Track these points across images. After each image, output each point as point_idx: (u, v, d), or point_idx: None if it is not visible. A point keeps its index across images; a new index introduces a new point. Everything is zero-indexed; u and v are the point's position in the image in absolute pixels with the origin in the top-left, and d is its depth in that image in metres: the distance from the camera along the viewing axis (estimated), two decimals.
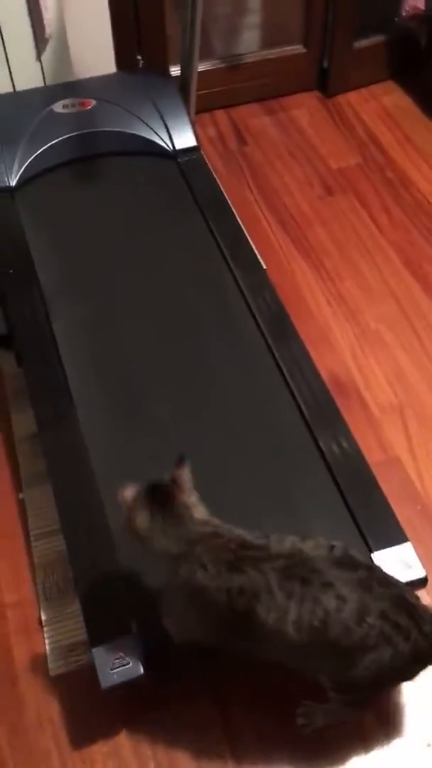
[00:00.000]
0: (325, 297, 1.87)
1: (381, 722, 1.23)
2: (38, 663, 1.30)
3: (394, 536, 1.28)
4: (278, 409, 1.46)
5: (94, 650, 1.15)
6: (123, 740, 1.22)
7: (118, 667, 1.13)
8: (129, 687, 1.14)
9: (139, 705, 1.24)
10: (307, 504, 1.33)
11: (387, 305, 1.85)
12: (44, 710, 1.25)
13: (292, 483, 1.36)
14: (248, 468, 1.38)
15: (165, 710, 1.24)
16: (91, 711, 1.23)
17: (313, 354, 1.55)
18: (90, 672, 1.15)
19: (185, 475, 1.05)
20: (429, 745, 1.21)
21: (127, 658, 1.14)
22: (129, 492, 1.05)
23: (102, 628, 1.17)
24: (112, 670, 1.13)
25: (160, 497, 1.04)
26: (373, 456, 1.48)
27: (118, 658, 1.14)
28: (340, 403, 1.48)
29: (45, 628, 1.33)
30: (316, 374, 1.51)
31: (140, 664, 1.14)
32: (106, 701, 1.20)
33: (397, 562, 1.24)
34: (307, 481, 1.36)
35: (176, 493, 1.04)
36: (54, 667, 1.29)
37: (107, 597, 1.21)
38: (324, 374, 1.53)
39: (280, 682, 1.26)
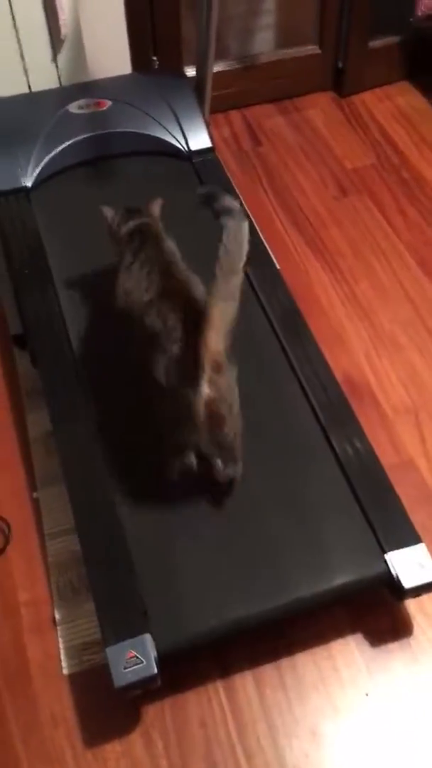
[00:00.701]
0: (339, 297, 1.87)
1: None
2: (52, 662, 1.30)
3: (408, 537, 1.28)
4: (292, 410, 1.46)
5: (107, 649, 1.15)
6: (135, 738, 1.22)
7: (132, 666, 1.14)
8: (142, 686, 1.15)
9: (151, 703, 1.24)
10: (321, 505, 1.33)
11: (401, 306, 1.85)
12: (58, 709, 1.25)
13: (305, 483, 1.36)
14: (261, 468, 1.38)
15: (177, 709, 1.25)
16: (105, 710, 1.24)
17: (326, 355, 1.55)
18: (103, 671, 1.16)
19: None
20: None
21: (141, 658, 1.14)
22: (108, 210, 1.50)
23: (115, 627, 1.18)
24: (125, 669, 1.14)
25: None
26: (386, 458, 1.48)
27: (131, 658, 1.14)
28: (353, 404, 1.48)
29: (58, 627, 1.34)
30: (330, 375, 1.51)
31: (154, 663, 1.14)
32: (119, 700, 1.21)
33: (411, 563, 1.24)
34: (321, 481, 1.36)
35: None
36: (67, 666, 1.29)
37: (121, 596, 1.22)
38: (338, 375, 1.53)
39: (292, 677, 1.27)
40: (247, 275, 1.67)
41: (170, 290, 1.32)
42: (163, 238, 1.47)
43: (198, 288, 1.32)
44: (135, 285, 1.37)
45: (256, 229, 1.80)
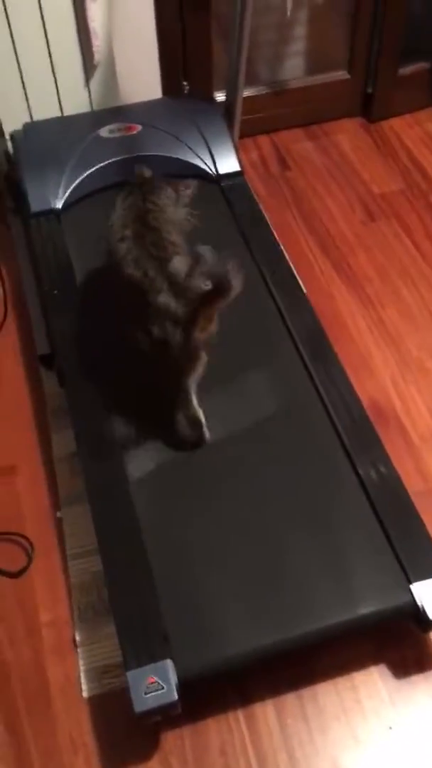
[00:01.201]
0: (366, 323, 1.86)
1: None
2: (72, 684, 1.30)
3: None
4: (317, 435, 1.45)
5: (128, 673, 1.15)
6: (154, 765, 1.21)
7: (153, 691, 1.13)
8: (162, 712, 1.14)
9: (170, 730, 1.23)
10: (346, 532, 1.32)
11: (429, 333, 1.83)
12: (77, 733, 1.25)
13: (329, 510, 1.35)
14: (285, 493, 1.37)
15: (197, 736, 1.23)
16: (124, 735, 1.23)
17: (353, 380, 1.54)
18: (123, 695, 1.15)
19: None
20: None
21: (162, 683, 1.13)
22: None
23: (137, 651, 1.17)
24: (146, 694, 1.13)
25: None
26: (412, 485, 1.46)
27: (152, 683, 1.13)
28: (379, 430, 1.47)
29: (79, 649, 1.33)
30: (356, 400, 1.50)
31: (174, 689, 1.13)
32: (138, 725, 1.20)
33: None
34: (346, 508, 1.35)
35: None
36: (87, 689, 1.29)
37: (143, 620, 1.21)
38: (364, 400, 1.52)
39: (314, 707, 1.25)
40: (273, 298, 1.68)
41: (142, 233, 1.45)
42: (151, 192, 1.58)
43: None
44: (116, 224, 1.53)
45: (283, 253, 1.80)
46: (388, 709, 1.26)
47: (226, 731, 1.24)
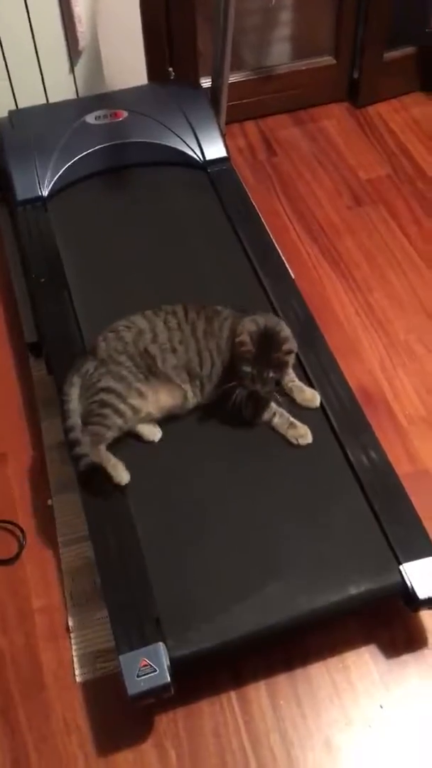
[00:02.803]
0: (353, 307, 1.87)
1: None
2: (65, 669, 1.30)
3: (423, 548, 1.27)
4: (306, 419, 1.45)
5: (120, 657, 1.15)
6: (148, 748, 1.22)
7: (145, 674, 1.14)
8: (155, 695, 1.15)
9: (164, 712, 1.24)
10: (335, 515, 1.33)
11: (416, 316, 1.84)
12: (71, 717, 1.25)
13: (319, 493, 1.36)
14: (276, 478, 1.38)
15: (190, 718, 1.24)
16: (117, 718, 1.24)
17: (341, 364, 1.55)
18: (116, 679, 1.16)
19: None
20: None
21: (154, 666, 1.14)
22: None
23: (129, 635, 1.18)
24: (138, 677, 1.13)
25: None
26: (401, 467, 1.47)
27: (144, 666, 1.14)
28: (368, 413, 1.47)
29: (72, 635, 1.34)
30: (345, 384, 1.51)
31: (167, 672, 1.14)
32: (132, 708, 1.20)
33: (426, 574, 1.24)
34: (336, 491, 1.36)
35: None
36: (81, 674, 1.29)
37: (134, 604, 1.22)
38: (352, 384, 1.53)
39: (306, 688, 1.26)
40: (262, 284, 1.68)
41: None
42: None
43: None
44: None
45: (271, 239, 1.81)
46: (379, 688, 1.27)
47: (219, 713, 1.25)
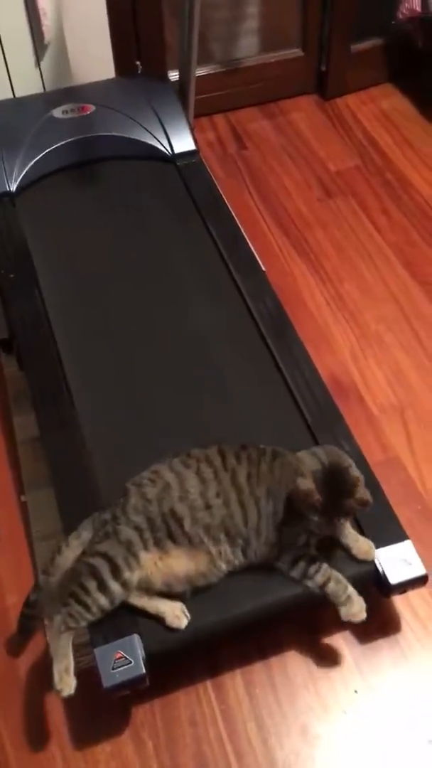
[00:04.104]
0: (324, 298, 1.88)
1: (382, 718, 1.24)
2: (41, 665, 1.30)
3: (395, 534, 1.28)
4: (279, 411, 1.46)
5: (95, 650, 1.15)
6: (125, 739, 1.22)
7: (120, 666, 1.14)
8: (131, 686, 1.15)
9: (140, 704, 1.25)
10: None
11: (386, 306, 1.86)
12: (47, 711, 1.25)
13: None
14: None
15: (166, 709, 1.25)
16: (94, 711, 1.24)
17: (313, 355, 1.56)
18: (93, 672, 1.16)
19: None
20: (430, 741, 1.22)
21: (129, 658, 1.14)
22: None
23: (104, 627, 1.18)
24: (113, 669, 1.14)
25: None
26: (373, 456, 1.49)
27: (119, 658, 1.14)
28: (340, 403, 1.48)
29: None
30: (316, 375, 1.52)
31: (142, 663, 1.14)
32: (108, 701, 1.21)
33: (398, 559, 1.25)
34: None
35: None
36: None
37: None
38: (324, 375, 1.53)
39: (281, 675, 1.27)
40: (232, 277, 1.69)
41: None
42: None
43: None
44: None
45: (241, 232, 1.81)
46: (354, 674, 1.28)
47: (195, 703, 1.26)
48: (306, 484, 1.14)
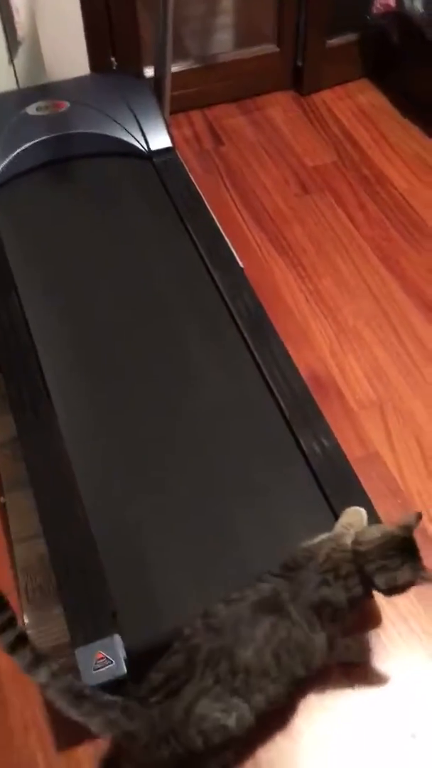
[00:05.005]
0: (303, 294, 1.88)
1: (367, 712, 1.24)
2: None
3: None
4: (258, 407, 1.46)
5: (76, 650, 1.15)
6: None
7: (101, 666, 1.13)
8: (112, 686, 1.14)
9: None
10: (288, 500, 1.34)
11: (365, 301, 1.86)
12: (29, 713, 1.25)
13: (272, 480, 1.37)
14: (228, 465, 1.38)
15: None
16: None
17: (291, 351, 1.56)
18: (74, 673, 1.15)
19: None
20: (414, 735, 1.22)
21: (110, 658, 1.14)
22: None
23: (84, 628, 1.17)
24: (95, 670, 1.13)
25: None
26: (352, 452, 1.49)
27: (100, 659, 1.14)
28: (319, 399, 1.49)
29: (28, 632, 1.32)
30: (295, 371, 1.52)
31: (123, 663, 1.14)
32: None
33: None
34: (288, 477, 1.37)
35: None
36: None
37: (89, 597, 1.21)
38: (303, 371, 1.54)
39: None
40: (210, 274, 1.68)
41: None
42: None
43: None
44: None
45: (219, 229, 1.81)
46: (335, 669, 1.29)
47: None
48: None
